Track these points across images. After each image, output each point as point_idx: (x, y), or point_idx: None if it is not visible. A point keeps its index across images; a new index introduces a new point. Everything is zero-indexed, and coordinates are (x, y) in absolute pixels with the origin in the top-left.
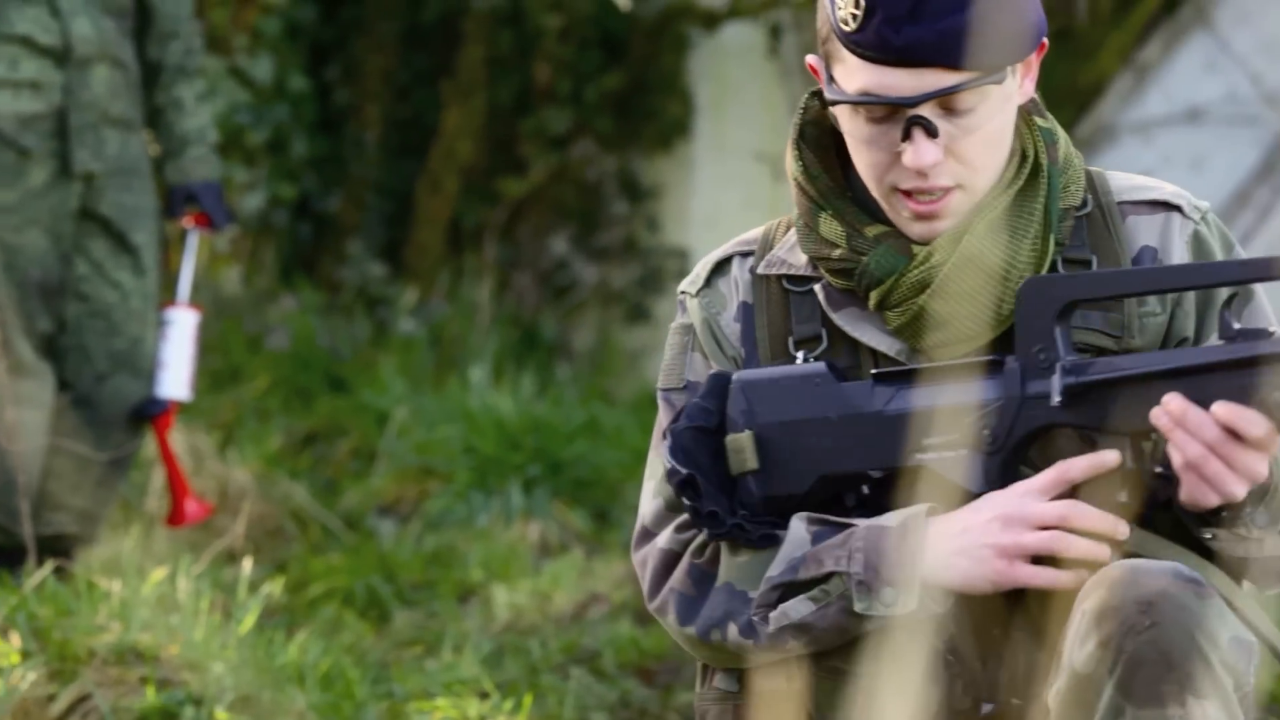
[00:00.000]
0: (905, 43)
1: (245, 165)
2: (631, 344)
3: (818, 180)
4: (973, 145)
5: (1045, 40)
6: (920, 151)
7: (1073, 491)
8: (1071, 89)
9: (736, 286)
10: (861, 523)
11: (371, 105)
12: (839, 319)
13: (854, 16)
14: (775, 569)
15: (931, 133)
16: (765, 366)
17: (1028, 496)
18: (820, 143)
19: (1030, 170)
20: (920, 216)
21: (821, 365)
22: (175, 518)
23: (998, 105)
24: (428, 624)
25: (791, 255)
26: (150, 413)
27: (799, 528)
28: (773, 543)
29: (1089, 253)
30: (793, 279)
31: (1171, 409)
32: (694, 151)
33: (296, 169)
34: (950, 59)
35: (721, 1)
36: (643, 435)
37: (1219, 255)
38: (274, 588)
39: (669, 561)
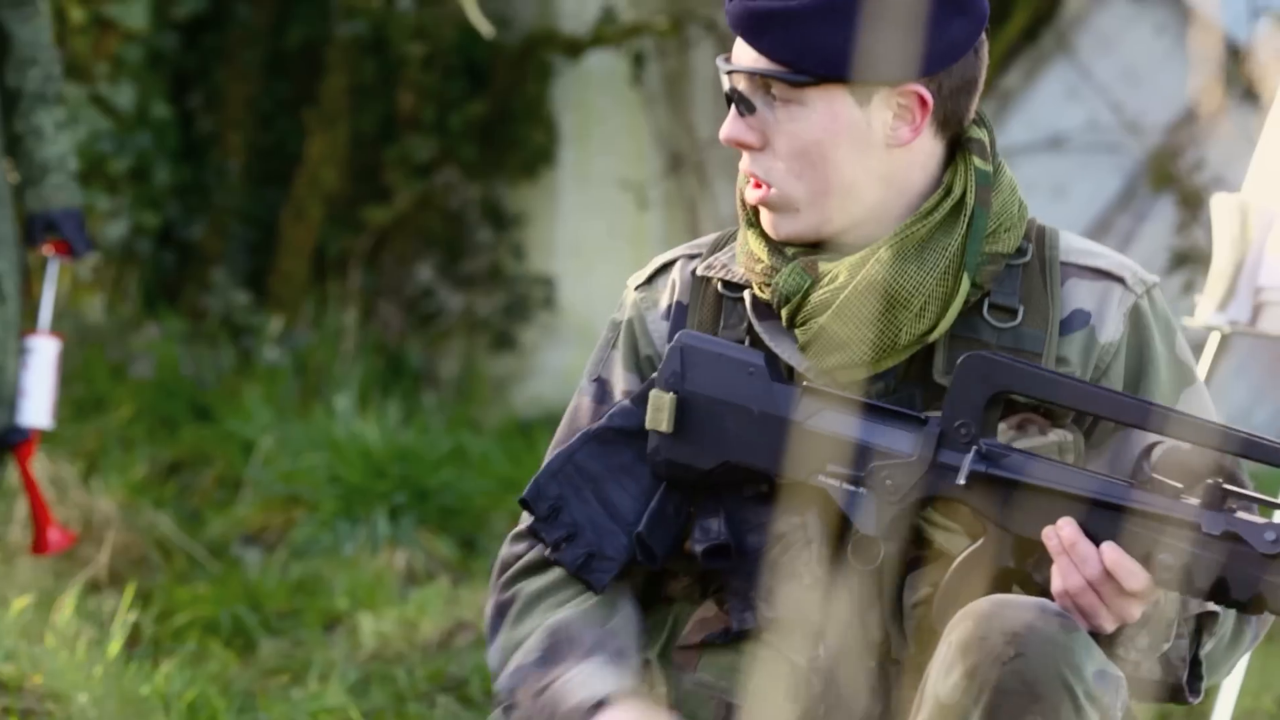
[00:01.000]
0: (730, 10)
1: (108, 193)
2: (497, 371)
3: None
4: (785, 143)
5: (926, 96)
6: (727, 122)
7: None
8: None
9: (674, 287)
10: (559, 684)
11: (235, 133)
12: (761, 329)
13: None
14: (508, 671)
15: (742, 109)
16: (709, 337)
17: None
18: None
19: (953, 207)
20: (756, 200)
21: (759, 356)
22: (39, 547)
23: (824, 118)
24: (294, 653)
25: (732, 261)
26: (12, 441)
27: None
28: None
29: (1018, 302)
30: (728, 284)
31: (1063, 535)
32: (558, 179)
33: (159, 197)
34: (756, 39)
35: (584, 29)
36: (509, 463)
37: (1156, 334)
38: (139, 617)
39: (501, 568)
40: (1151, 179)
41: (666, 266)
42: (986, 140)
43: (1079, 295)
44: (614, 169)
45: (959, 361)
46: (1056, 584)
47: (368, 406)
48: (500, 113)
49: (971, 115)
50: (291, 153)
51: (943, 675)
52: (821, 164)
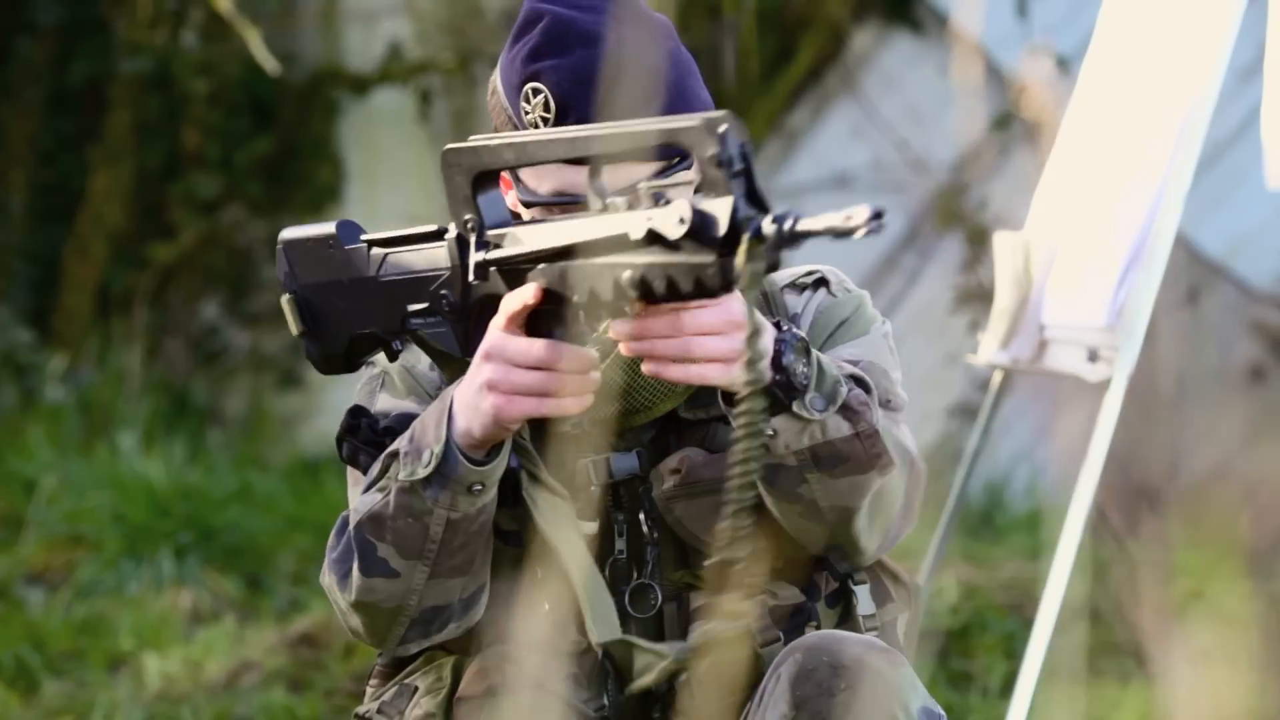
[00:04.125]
0: None
1: None
2: (284, 409)
3: None
4: None
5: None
6: None
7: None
8: None
9: None
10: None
11: (17, 170)
12: None
13: (544, 119)
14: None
15: None
16: (303, 227)
17: (503, 334)
18: None
19: None
20: None
21: (332, 226)
22: None
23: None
24: (78, 694)
25: None
26: None
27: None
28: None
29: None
30: None
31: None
32: (345, 216)
33: None
34: (641, 154)
35: (371, 67)
36: (295, 501)
37: (846, 309)
38: None
39: (339, 528)
40: (937, 217)
41: None
42: None
43: (795, 305)
44: (401, 206)
45: (441, 160)
46: (647, 369)
47: (152, 445)
48: (286, 150)
49: None
50: (75, 189)
51: (771, 706)
52: None
